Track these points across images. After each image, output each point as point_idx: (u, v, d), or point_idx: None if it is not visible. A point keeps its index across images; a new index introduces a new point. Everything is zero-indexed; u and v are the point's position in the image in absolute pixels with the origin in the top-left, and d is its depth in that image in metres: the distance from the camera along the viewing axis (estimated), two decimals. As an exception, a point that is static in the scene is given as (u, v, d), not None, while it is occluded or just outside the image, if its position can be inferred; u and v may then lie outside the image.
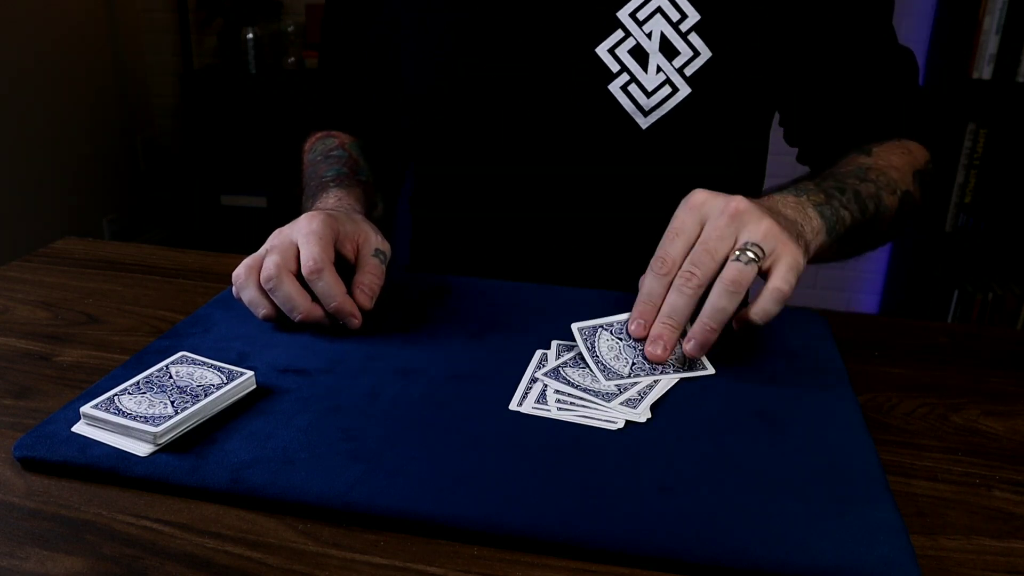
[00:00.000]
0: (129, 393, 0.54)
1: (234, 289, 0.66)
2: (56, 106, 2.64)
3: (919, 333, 0.73)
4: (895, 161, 0.78)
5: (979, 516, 0.49)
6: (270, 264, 0.62)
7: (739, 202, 0.59)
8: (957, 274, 2.41)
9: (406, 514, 0.45)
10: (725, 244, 0.58)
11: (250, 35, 2.71)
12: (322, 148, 0.92)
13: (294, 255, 0.64)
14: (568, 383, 0.57)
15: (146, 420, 0.51)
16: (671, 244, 0.60)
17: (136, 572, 0.42)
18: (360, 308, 0.64)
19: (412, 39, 0.86)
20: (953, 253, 2.43)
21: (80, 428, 0.52)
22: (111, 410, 0.52)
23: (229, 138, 2.80)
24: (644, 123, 0.79)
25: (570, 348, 0.63)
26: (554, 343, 0.64)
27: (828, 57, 0.81)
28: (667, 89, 0.77)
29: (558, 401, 0.56)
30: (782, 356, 0.64)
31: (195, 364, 0.57)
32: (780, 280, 0.58)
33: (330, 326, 0.65)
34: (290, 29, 2.79)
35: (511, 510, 0.45)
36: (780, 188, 0.71)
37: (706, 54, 0.77)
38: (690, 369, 0.60)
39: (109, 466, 0.49)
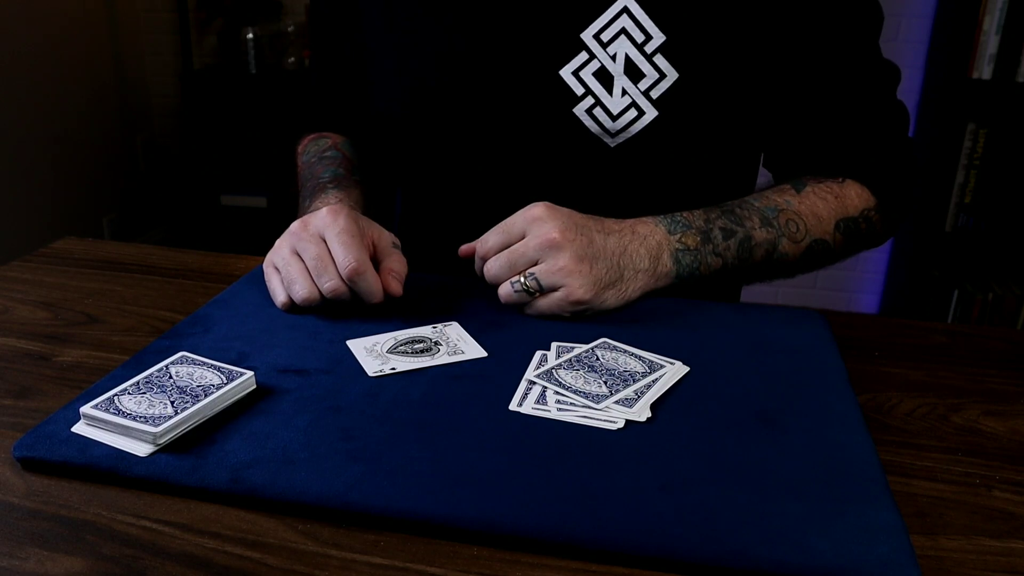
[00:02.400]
0: (129, 393, 0.54)
1: (279, 280, 0.69)
2: (56, 106, 2.64)
3: (919, 333, 0.73)
4: (819, 208, 0.78)
5: (979, 516, 0.49)
6: (322, 258, 0.66)
7: (559, 234, 0.66)
8: (957, 274, 2.41)
9: (406, 514, 0.45)
10: (523, 263, 0.68)
11: (250, 35, 2.71)
12: (316, 149, 0.92)
13: (328, 251, 0.66)
14: (561, 384, 0.57)
15: (146, 420, 0.51)
16: (493, 235, 0.70)
17: (136, 572, 0.42)
18: (391, 295, 0.67)
19: (378, 64, 0.86)
20: (953, 253, 2.43)
21: (80, 428, 0.52)
22: (111, 410, 0.52)
23: (229, 138, 2.80)
24: (612, 143, 0.78)
25: (569, 349, 0.63)
26: (554, 344, 0.64)
27: (793, 81, 0.79)
28: (633, 112, 0.76)
29: (558, 402, 0.56)
30: (782, 356, 0.64)
31: (195, 364, 0.57)
32: (549, 303, 0.67)
33: (331, 318, 0.66)
34: (290, 29, 2.79)
35: (511, 510, 0.45)
36: (683, 213, 0.74)
37: (672, 76, 0.75)
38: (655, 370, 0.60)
39: (109, 466, 0.49)
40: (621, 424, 0.54)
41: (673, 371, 0.60)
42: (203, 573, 0.42)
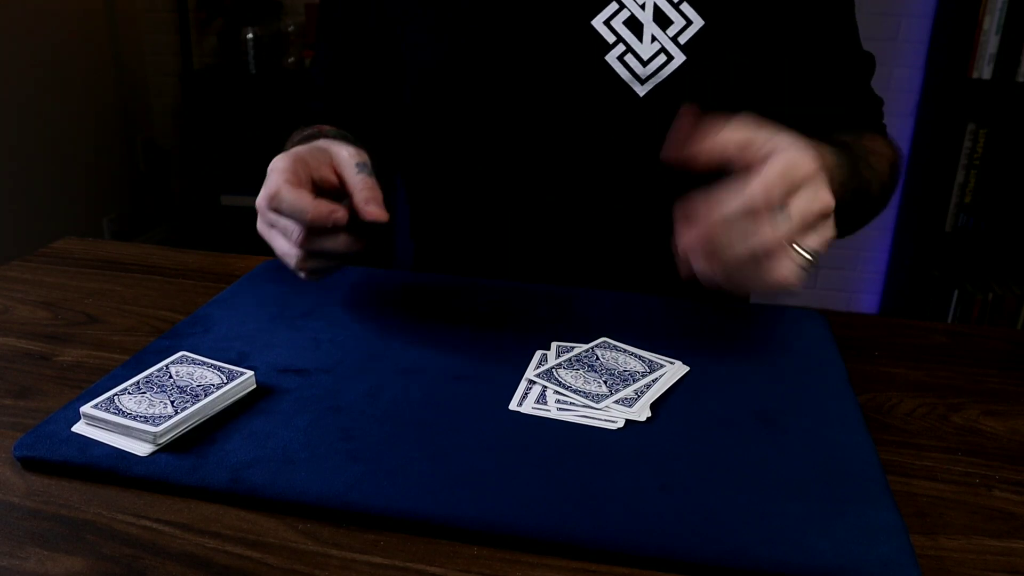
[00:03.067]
0: (129, 393, 0.54)
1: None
2: (56, 106, 2.64)
3: (919, 333, 0.73)
4: (880, 148, 0.82)
5: (979, 516, 0.49)
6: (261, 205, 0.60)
7: (828, 198, 0.53)
8: (957, 274, 2.41)
9: (406, 514, 0.45)
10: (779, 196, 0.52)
11: (250, 35, 2.71)
12: (299, 136, 0.91)
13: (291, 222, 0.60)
14: (561, 384, 0.57)
15: (146, 420, 0.51)
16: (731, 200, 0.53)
17: (136, 572, 0.42)
18: (377, 221, 0.61)
19: (411, 21, 0.87)
20: (953, 253, 2.43)
21: (80, 428, 0.52)
22: (111, 410, 0.52)
23: (229, 138, 2.80)
24: (641, 91, 0.80)
25: (569, 349, 0.63)
26: (554, 344, 0.64)
27: (793, 41, 0.82)
28: (662, 57, 0.79)
29: (558, 401, 0.56)
30: (782, 356, 0.64)
31: (195, 364, 0.57)
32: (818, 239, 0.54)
33: (331, 319, 0.65)
34: (290, 29, 2.79)
35: (511, 510, 0.45)
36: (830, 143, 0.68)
37: (698, 23, 0.79)
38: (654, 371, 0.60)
39: (109, 466, 0.49)
40: (621, 424, 0.54)
41: (673, 371, 0.60)
42: (203, 573, 0.42)
